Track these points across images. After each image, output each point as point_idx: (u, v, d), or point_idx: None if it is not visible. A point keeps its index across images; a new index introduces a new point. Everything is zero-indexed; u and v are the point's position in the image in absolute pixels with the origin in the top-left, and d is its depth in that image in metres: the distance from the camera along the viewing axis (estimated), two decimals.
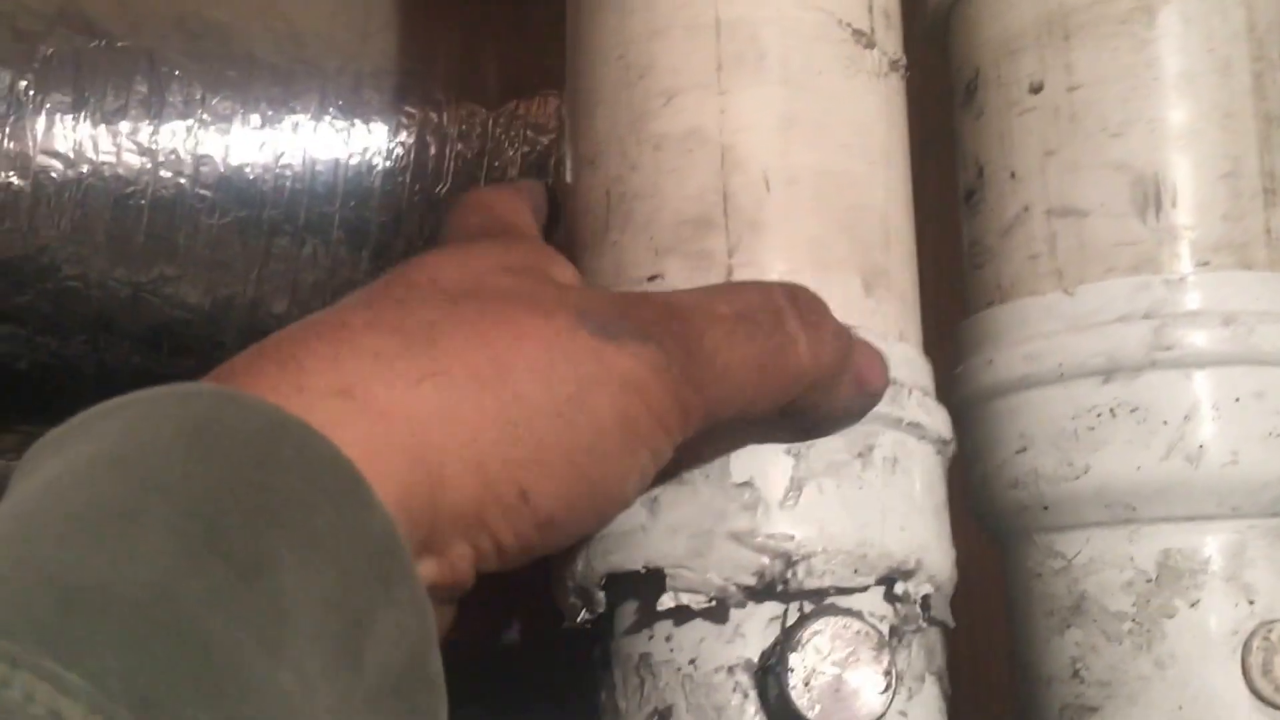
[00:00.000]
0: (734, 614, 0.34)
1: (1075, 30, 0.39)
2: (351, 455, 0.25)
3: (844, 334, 0.34)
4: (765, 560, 0.33)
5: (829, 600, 0.34)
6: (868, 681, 0.32)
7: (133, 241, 0.60)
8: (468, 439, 0.28)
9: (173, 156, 0.60)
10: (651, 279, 0.36)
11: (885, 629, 0.34)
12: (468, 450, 0.28)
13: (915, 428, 0.36)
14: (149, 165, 0.60)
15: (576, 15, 0.40)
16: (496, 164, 0.63)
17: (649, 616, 0.34)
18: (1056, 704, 0.38)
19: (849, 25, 0.38)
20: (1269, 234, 0.38)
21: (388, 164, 0.62)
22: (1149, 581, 0.37)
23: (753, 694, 0.33)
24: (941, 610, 0.36)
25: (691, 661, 0.34)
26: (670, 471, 0.33)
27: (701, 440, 0.33)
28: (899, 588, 0.35)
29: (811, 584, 0.33)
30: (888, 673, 0.33)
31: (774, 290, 0.33)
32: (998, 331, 0.40)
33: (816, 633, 0.33)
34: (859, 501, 0.35)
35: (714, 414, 0.32)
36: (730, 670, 0.33)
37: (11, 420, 0.66)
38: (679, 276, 0.36)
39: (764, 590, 0.33)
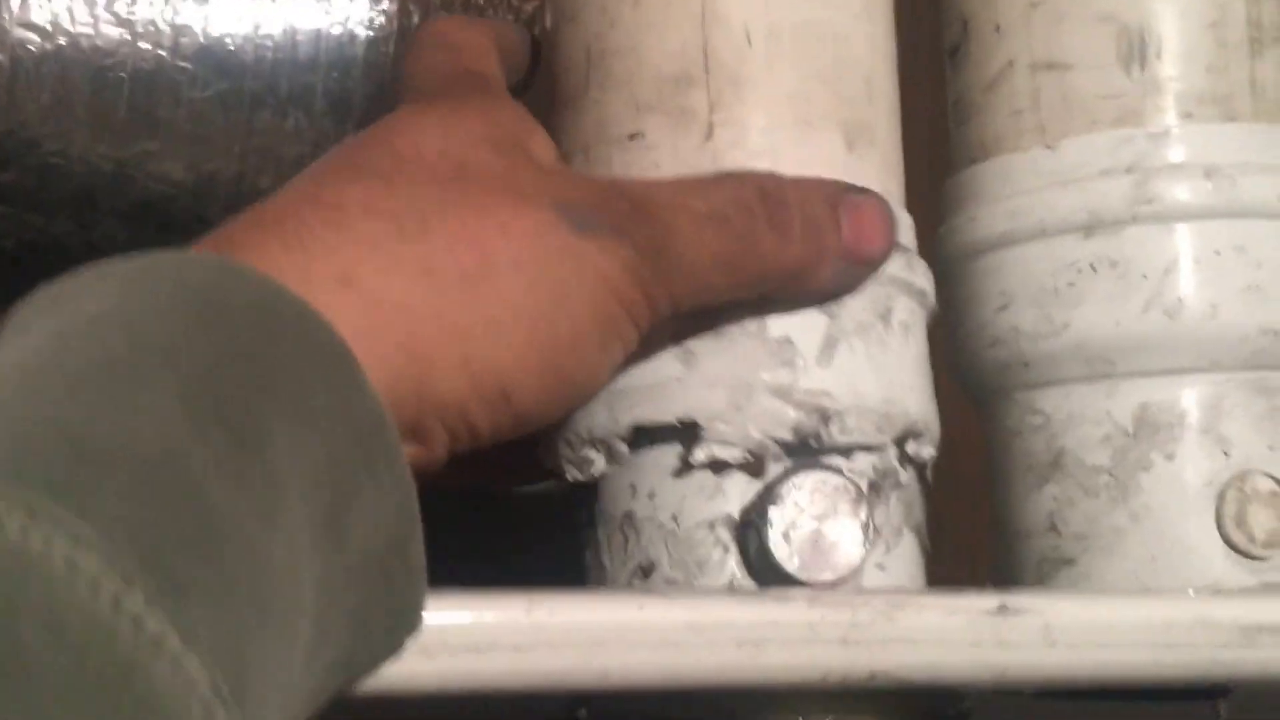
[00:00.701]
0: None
1: None
2: (348, 339, 0.26)
3: (817, 228, 0.34)
4: (803, 415, 0.34)
5: (809, 459, 0.34)
6: (846, 534, 0.33)
7: (113, 116, 0.59)
8: (456, 337, 0.29)
9: (151, 27, 0.59)
10: (633, 137, 0.36)
11: (864, 484, 0.34)
12: (455, 348, 0.29)
13: (921, 295, 0.37)
14: (128, 37, 0.59)
15: None
16: None
17: (682, 468, 0.34)
18: (1034, 557, 0.38)
19: None
20: (1253, 85, 0.38)
21: (370, 33, 0.61)
22: (1126, 435, 0.37)
23: (733, 548, 0.34)
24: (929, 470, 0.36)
25: (674, 517, 0.34)
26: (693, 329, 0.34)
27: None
28: (910, 447, 0.36)
29: (843, 440, 0.34)
30: (866, 525, 0.33)
31: (746, 187, 0.33)
32: (980, 189, 0.40)
33: (796, 487, 0.33)
34: (883, 362, 0.35)
35: (678, 306, 0.33)
36: (711, 525, 0.34)
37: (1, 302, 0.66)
38: (660, 134, 0.36)
39: (798, 445, 0.34)
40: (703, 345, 0.34)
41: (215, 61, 0.60)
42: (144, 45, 0.60)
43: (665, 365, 0.34)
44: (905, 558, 0.35)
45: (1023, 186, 0.38)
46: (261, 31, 0.60)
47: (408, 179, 0.31)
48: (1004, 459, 0.39)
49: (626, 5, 0.37)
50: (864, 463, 0.35)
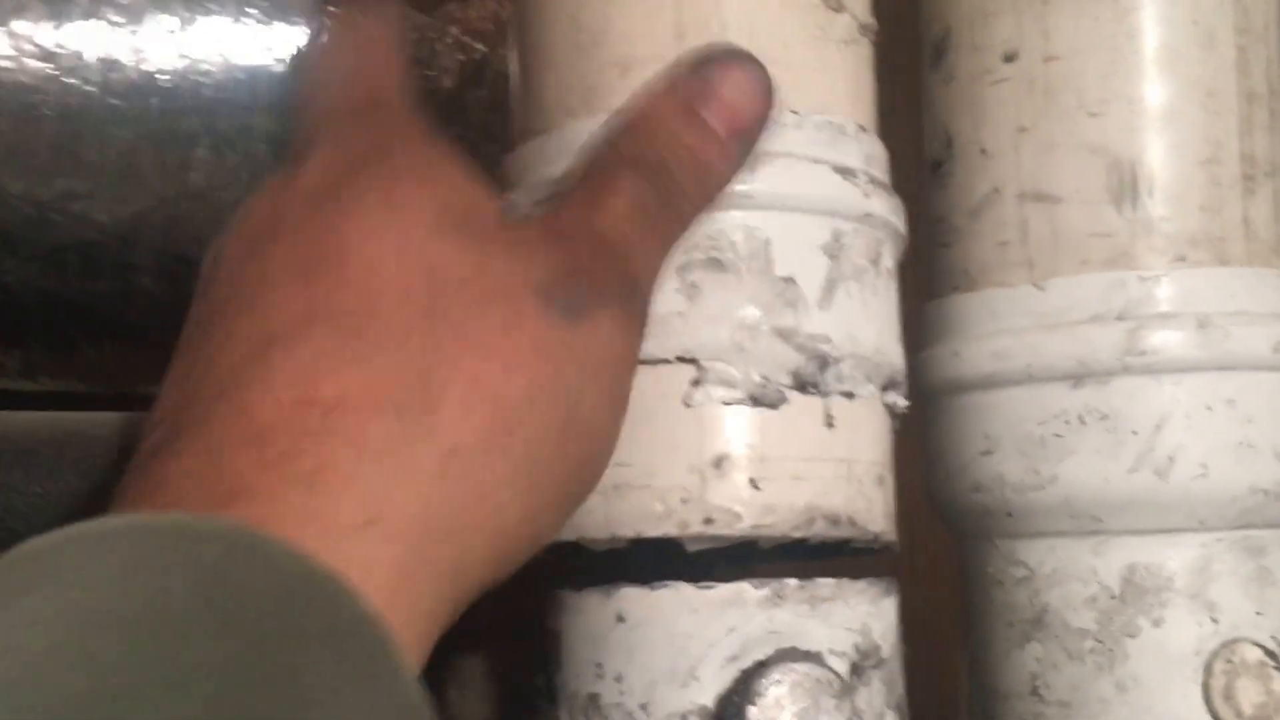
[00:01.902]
0: (689, 649, 0.32)
1: None
2: (384, 589, 0.24)
3: (700, 175, 0.32)
4: (803, 360, 0.33)
5: (789, 645, 0.32)
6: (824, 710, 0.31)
7: (36, 155, 0.55)
8: (491, 512, 0.27)
9: (78, 61, 0.56)
10: None
11: (846, 667, 0.33)
12: (491, 522, 0.27)
13: (903, 240, 0.36)
14: (53, 71, 0.56)
15: None
16: (431, 72, 0.59)
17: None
18: None
19: None
20: (1246, 225, 0.36)
21: None
22: (1113, 598, 0.35)
23: None
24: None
25: (643, 706, 0.32)
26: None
27: None
28: (889, 396, 0.35)
29: (837, 388, 0.33)
30: None
31: (629, 170, 0.32)
32: (964, 321, 0.38)
33: (775, 683, 0.31)
34: (875, 309, 0.34)
35: None
36: (684, 718, 0.32)
37: None
38: None
39: (796, 389, 0.33)
40: (707, 280, 0.33)
41: (148, 98, 0.56)
42: (70, 80, 0.56)
43: (668, 299, 0.32)
44: None
45: (1009, 325, 0.36)
46: (199, 68, 0.57)
47: (386, 326, 0.27)
48: (984, 608, 0.38)
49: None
50: (845, 642, 0.33)
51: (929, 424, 0.38)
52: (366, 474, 0.25)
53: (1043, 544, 0.36)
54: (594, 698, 0.33)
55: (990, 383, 0.36)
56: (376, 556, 0.25)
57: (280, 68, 0.57)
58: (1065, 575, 0.36)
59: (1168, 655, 0.35)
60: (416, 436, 0.26)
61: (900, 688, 0.34)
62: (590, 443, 0.29)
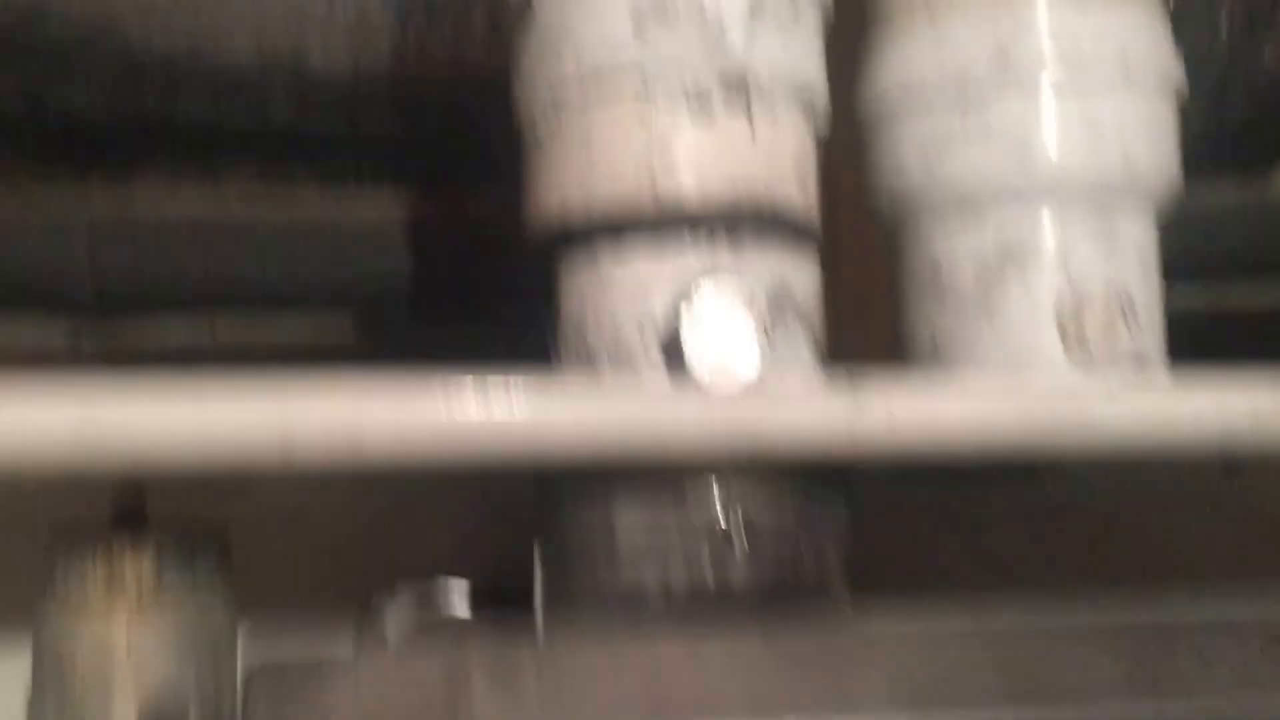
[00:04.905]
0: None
1: None
2: None
3: None
4: (732, 78, 0.43)
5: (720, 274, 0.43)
6: (744, 327, 0.42)
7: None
8: None
9: None
10: None
11: (764, 300, 0.43)
12: None
13: None
14: None
15: None
16: None
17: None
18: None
19: None
20: None
21: None
22: (988, 268, 0.46)
23: (654, 342, 0.43)
24: None
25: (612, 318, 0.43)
26: None
27: None
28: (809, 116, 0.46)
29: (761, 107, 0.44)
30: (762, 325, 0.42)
31: None
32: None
33: (703, 290, 0.42)
34: (795, 36, 0.44)
35: None
36: (639, 322, 0.43)
37: (93, 178, 0.72)
38: None
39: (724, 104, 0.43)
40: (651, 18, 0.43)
41: None
42: None
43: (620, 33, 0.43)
44: (793, 339, 0.44)
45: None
46: None
47: None
48: (900, 278, 0.48)
49: None
50: (765, 283, 0.43)
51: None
52: None
53: (939, 227, 0.46)
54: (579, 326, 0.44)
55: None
56: None
57: None
58: (953, 249, 0.46)
59: (1033, 304, 0.45)
60: None
61: (817, 335, 0.44)
62: None
